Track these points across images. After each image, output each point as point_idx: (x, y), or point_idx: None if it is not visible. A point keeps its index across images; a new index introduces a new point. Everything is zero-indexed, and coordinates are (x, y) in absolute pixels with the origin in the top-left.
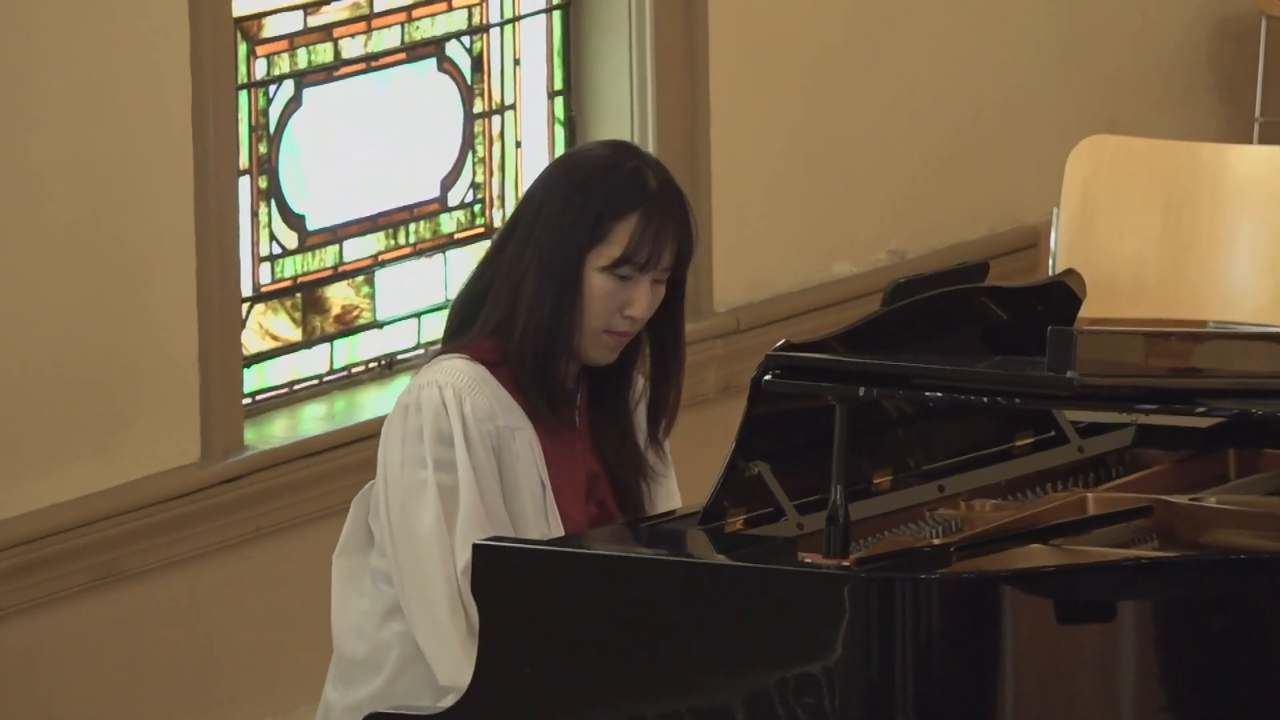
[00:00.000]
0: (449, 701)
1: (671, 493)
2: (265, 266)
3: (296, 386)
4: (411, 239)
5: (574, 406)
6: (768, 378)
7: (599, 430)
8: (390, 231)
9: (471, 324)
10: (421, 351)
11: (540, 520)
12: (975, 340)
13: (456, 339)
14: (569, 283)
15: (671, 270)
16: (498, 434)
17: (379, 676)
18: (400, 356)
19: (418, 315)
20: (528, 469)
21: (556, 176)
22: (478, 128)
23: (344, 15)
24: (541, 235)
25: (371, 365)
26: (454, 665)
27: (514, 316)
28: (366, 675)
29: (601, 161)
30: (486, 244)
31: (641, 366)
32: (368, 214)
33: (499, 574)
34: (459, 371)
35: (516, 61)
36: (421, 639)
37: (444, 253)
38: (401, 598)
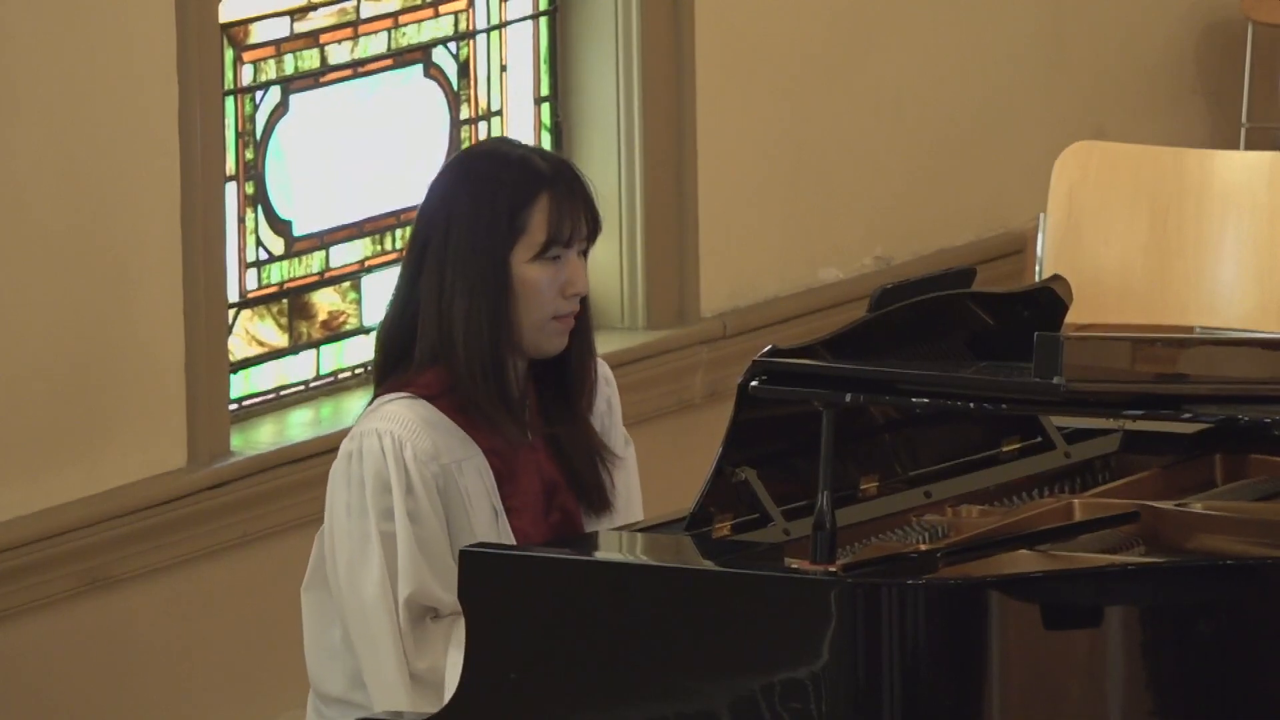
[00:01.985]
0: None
1: (630, 486)
2: (252, 272)
3: (283, 392)
4: (398, 245)
5: (524, 415)
6: (754, 384)
7: (553, 427)
8: (377, 237)
9: (406, 358)
10: None
11: None
12: (962, 346)
13: (394, 374)
14: (500, 289)
15: (588, 240)
16: (443, 473)
17: (359, 711)
18: None
19: None
20: (479, 498)
21: (449, 190)
22: (464, 134)
23: (331, 21)
24: (458, 251)
25: (358, 371)
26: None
27: (451, 342)
28: (347, 711)
29: (486, 161)
30: None
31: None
32: (354, 220)
33: (485, 579)
34: (398, 418)
35: (503, 67)
36: (370, 689)
37: None
38: (352, 646)
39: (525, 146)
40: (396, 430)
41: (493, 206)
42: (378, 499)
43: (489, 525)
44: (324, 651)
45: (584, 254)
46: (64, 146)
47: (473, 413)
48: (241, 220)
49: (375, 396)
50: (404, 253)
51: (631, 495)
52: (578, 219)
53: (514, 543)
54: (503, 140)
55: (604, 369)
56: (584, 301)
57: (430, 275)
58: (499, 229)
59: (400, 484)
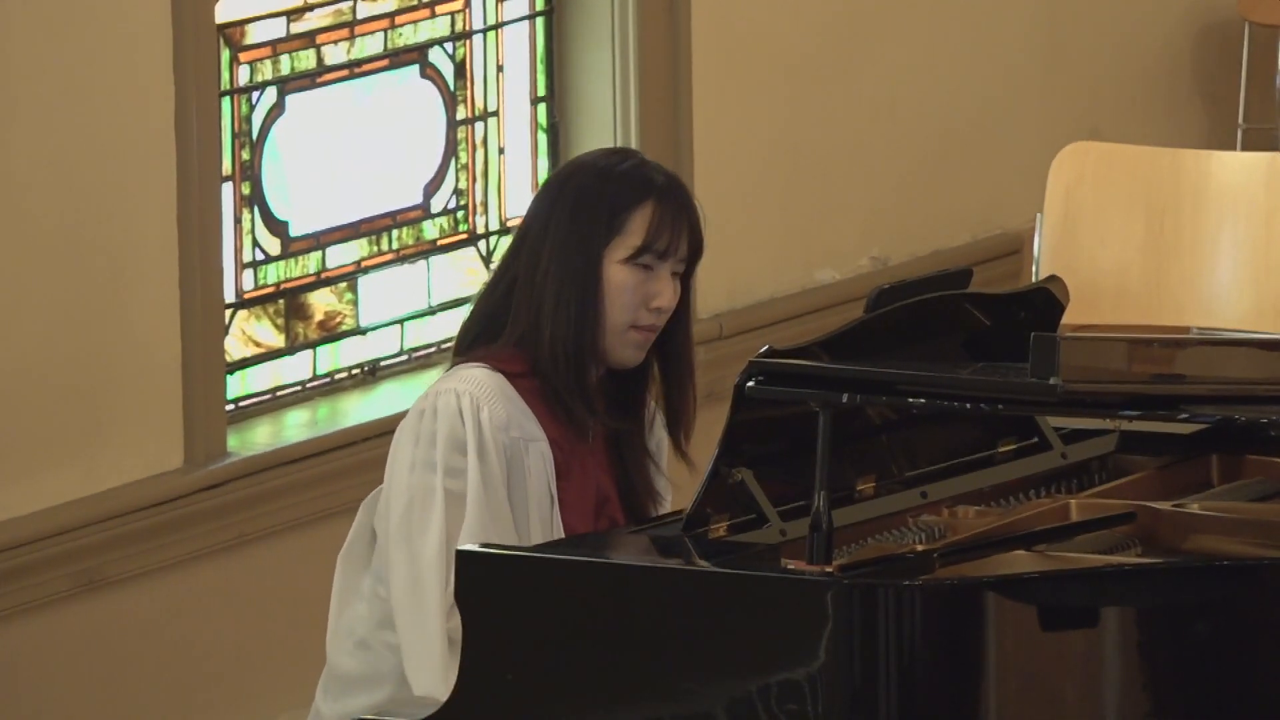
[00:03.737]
0: (427, 712)
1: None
2: (248, 273)
3: (279, 393)
4: (394, 245)
5: (598, 418)
6: (750, 384)
7: (618, 448)
8: (373, 238)
9: (492, 336)
10: (405, 358)
11: (544, 533)
12: (958, 346)
13: (477, 346)
14: (590, 282)
15: (685, 263)
16: (512, 445)
17: (371, 694)
18: (383, 363)
19: (400, 322)
20: (538, 482)
21: (560, 184)
22: (460, 134)
23: (327, 22)
24: (555, 241)
25: (354, 372)
26: (433, 677)
27: (539, 326)
28: (358, 691)
29: (603, 164)
30: (468, 251)
31: (652, 387)
32: (351, 220)
33: (481, 580)
34: (478, 380)
35: (499, 68)
36: (406, 646)
37: (427, 259)
38: (393, 600)
39: (648, 161)
40: (475, 393)
41: (597, 202)
42: (449, 457)
43: (544, 511)
44: (345, 625)
45: (679, 275)
46: (60, 146)
47: (549, 398)
48: (238, 221)
49: (457, 362)
50: (512, 235)
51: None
52: (678, 234)
53: (562, 533)
54: (626, 150)
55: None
56: (684, 328)
57: (528, 256)
58: (599, 223)
59: (475, 444)
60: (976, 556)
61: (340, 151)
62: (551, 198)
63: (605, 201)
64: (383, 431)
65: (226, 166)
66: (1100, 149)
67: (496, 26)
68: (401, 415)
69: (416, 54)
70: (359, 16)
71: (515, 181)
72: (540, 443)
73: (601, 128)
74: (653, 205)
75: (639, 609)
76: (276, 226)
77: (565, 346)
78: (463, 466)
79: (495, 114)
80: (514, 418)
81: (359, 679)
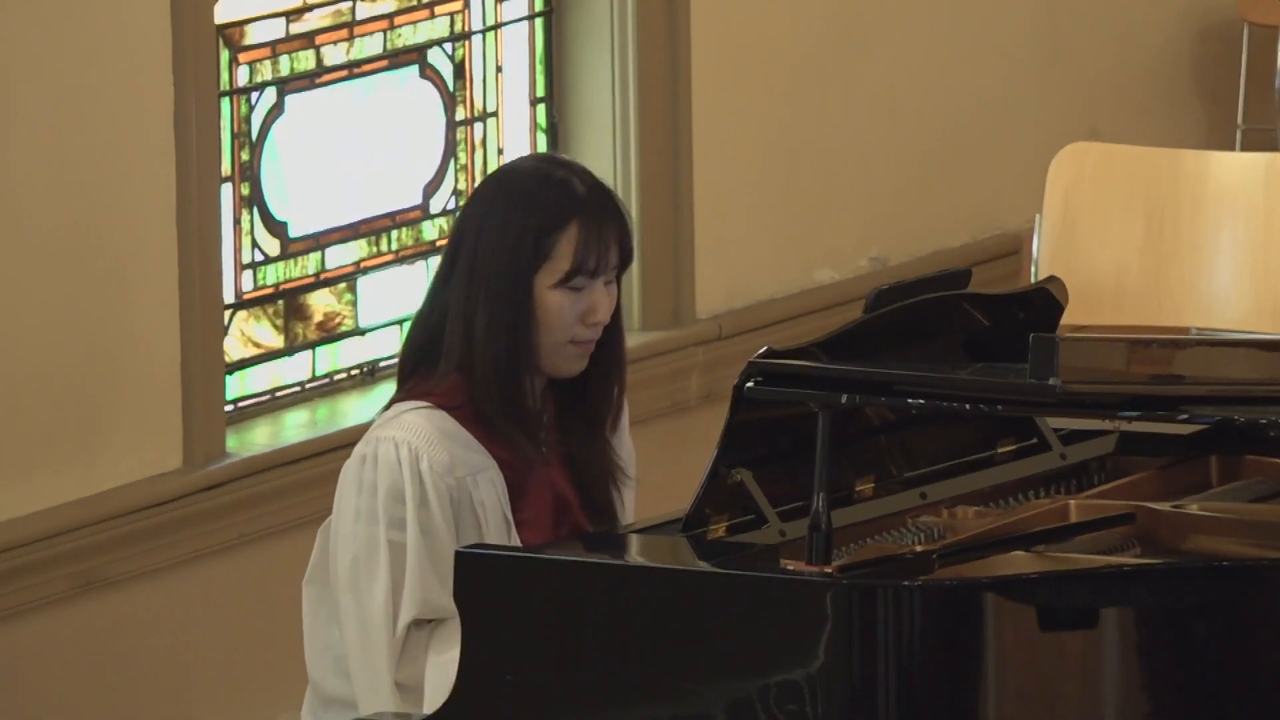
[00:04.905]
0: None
1: (628, 501)
2: (247, 273)
3: (279, 394)
4: (394, 246)
5: (542, 429)
6: (750, 385)
7: (569, 444)
8: (372, 239)
9: (432, 359)
10: None
11: None
12: (957, 347)
13: (419, 373)
14: (521, 309)
15: (617, 270)
16: (458, 485)
17: (355, 712)
18: (382, 363)
19: (400, 322)
20: (493, 510)
21: (488, 200)
22: (460, 135)
23: (326, 23)
24: (485, 265)
25: (354, 372)
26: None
27: (471, 354)
28: (347, 710)
29: (529, 178)
30: None
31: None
32: (350, 221)
33: (481, 581)
34: (416, 428)
35: (498, 69)
36: (357, 691)
37: (426, 260)
38: (345, 644)
39: (570, 168)
40: (414, 441)
41: (522, 227)
42: (390, 507)
43: (501, 537)
44: (324, 646)
45: (612, 282)
46: (59, 147)
47: (487, 427)
48: (237, 221)
49: (397, 395)
50: (442, 253)
51: (627, 504)
52: (606, 251)
53: None
54: (550, 158)
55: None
56: (617, 327)
57: (459, 284)
58: (525, 250)
59: (415, 495)
60: (976, 557)
61: (339, 152)
62: (477, 224)
63: (532, 224)
64: None
65: (226, 167)
66: (1099, 149)
67: (496, 27)
68: None
69: (416, 55)
70: (358, 17)
71: None
72: (489, 470)
73: (601, 128)
74: (578, 226)
75: (638, 609)
76: (276, 227)
77: (499, 374)
78: (404, 516)
79: (494, 115)
80: (457, 457)
81: (347, 699)
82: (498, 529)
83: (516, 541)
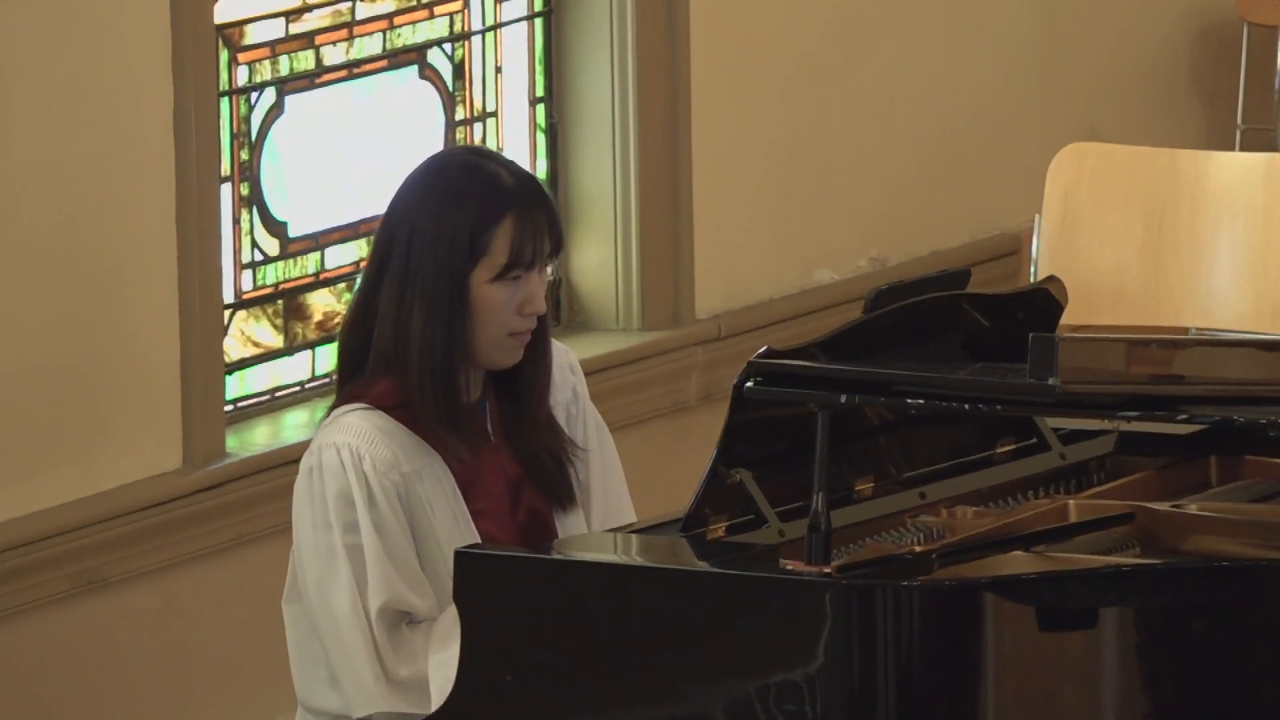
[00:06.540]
0: None
1: (610, 477)
2: (247, 273)
3: (278, 393)
4: None
5: (484, 418)
6: (749, 385)
7: (513, 430)
8: (372, 239)
9: (363, 362)
10: None
11: None
12: (957, 347)
13: (353, 379)
14: (458, 307)
15: (550, 257)
16: (404, 481)
17: None
18: None
19: None
20: (442, 505)
21: (417, 198)
22: (459, 135)
23: (326, 23)
24: (419, 265)
25: None
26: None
27: (405, 355)
28: None
29: (457, 173)
30: None
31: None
32: (349, 221)
33: (480, 581)
34: (355, 429)
35: (498, 69)
36: (348, 698)
37: None
38: (327, 654)
39: (496, 160)
40: (354, 442)
41: (456, 224)
42: (341, 513)
43: (452, 530)
44: (309, 664)
45: (545, 269)
46: (58, 147)
47: (422, 427)
48: (236, 221)
49: (335, 402)
50: (368, 255)
51: (611, 485)
52: (540, 241)
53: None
54: (473, 151)
55: (569, 356)
56: (543, 315)
57: (391, 285)
58: (460, 248)
59: (362, 496)
60: (975, 557)
61: (339, 152)
62: (408, 223)
63: (465, 222)
64: None
65: (225, 167)
66: (1099, 149)
67: (495, 27)
68: None
69: (415, 55)
70: (358, 17)
71: None
72: (434, 465)
73: (600, 128)
74: (512, 219)
75: (637, 609)
76: (275, 227)
77: (433, 375)
78: (355, 519)
79: (494, 114)
80: (400, 453)
81: (338, 712)
82: (448, 524)
83: (472, 533)
